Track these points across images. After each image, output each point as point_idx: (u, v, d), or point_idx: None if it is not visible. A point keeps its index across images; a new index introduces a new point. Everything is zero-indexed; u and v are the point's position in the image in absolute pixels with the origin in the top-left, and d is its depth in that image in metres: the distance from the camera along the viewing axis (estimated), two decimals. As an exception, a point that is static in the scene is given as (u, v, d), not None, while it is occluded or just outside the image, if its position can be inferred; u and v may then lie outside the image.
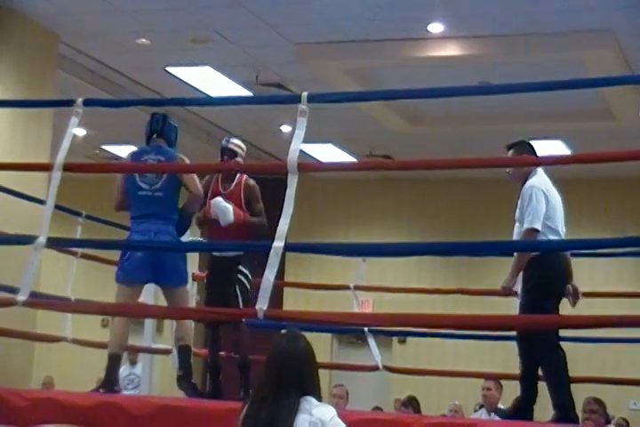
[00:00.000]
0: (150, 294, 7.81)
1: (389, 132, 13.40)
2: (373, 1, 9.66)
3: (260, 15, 10.08)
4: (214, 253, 7.20)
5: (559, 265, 6.21)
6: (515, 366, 6.28)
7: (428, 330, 7.81)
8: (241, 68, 11.50)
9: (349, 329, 9.47)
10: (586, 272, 14.02)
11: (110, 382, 6.45)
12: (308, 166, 6.25)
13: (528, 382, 6.16)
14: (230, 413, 4.66)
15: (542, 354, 6.03)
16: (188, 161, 6.72)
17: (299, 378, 3.91)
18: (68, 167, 6.17)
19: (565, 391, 5.94)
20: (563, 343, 6.16)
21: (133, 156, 6.82)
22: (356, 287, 9.56)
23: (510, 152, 6.44)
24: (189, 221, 6.87)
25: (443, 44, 10.57)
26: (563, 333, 6.33)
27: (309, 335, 4.14)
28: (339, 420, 3.89)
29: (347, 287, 9.58)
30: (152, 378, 8.39)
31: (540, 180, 6.27)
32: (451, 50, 10.57)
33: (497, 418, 6.71)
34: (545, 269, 6.07)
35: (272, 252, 5.42)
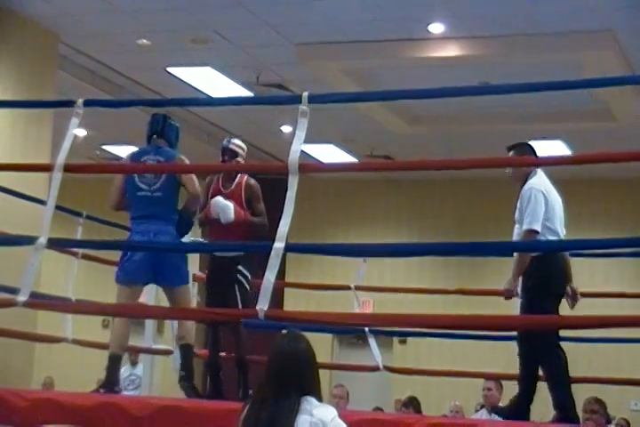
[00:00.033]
0: (151, 295, 7.81)
1: (389, 132, 13.40)
2: (374, 1, 9.66)
3: (260, 15, 10.08)
4: (214, 254, 7.21)
5: (558, 265, 6.21)
6: (515, 367, 6.28)
7: (429, 330, 7.81)
8: (241, 69, 11.50)
9: (350, 329, 9.45)
10: (586, 272, 14.03)
11: (111, 382, 6.45)
12: (309, 167, 6.25)
13: (527, 381, 6.16)
14: (231, 413, 4.65)
15: (543, 354, 6.03)
16: (187, 161, 6.72)
17: (299, 378, 3.91)
18: (68, 168, 6.17)
19: (566, 391, 5.95)
20: (563, 343, 6.16)
21: (133, 156, 6.83)
22: (357, 288, 9.55)
23: (510, 153, 6.44)
24: (191, 222, 6.87)
25: (443, 45, 10.57)
26: (564, 333, 6.34)
27: (310, 336, 4.14)
28: (339, 420, 3.89)
29: (347, 288, 9.58)
30: (153, 379, 8.39)
31: (539, 181, 6.27)
32: (450, 50, 10.57)
33: (498, 418, 6.70)
34: (544, 269, 6.07)
35: (273, 252, 5.42)
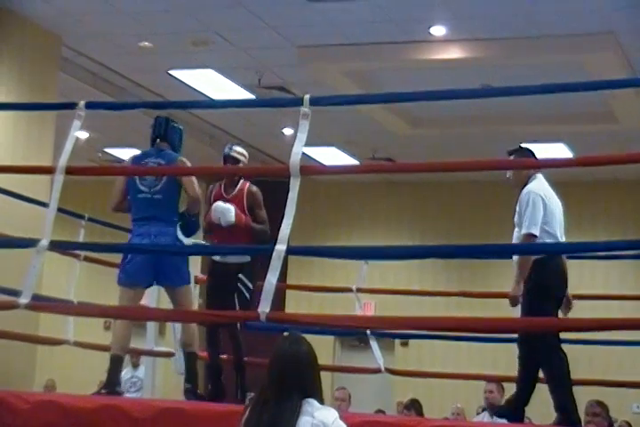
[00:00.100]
0: (152, 297, 7.82)
1: (391, 134, 13.41)
2: (375, 3, 9.67)
3: (261, 17, 10.08)
4: (215, 259, 7.22)
5: (557, 268, 6.21)
6: (517, 369, 6.29)
7: (431, 332, 7.81)
8: (243, 71, 11.50)
9: (352, 332, 9.46)
10: (587, 275, 14.05)
11: (112, 383, 6.46)
12: (311, 169, 6.26)
13: (525, 383, 6.18)
14: (232, 415, 4.65)
15: (543, 356, 6.04)
16: (188, 164, 6.73)
17: (301, 381, 3.91)
18: (70, 170, 6.17)
19: (567, 394, 5.95)
20: (565, 346, 6.16)
21: (135, 159, 6.84)
22: (359, 290, 9.55)
23: (511, 158, 6.45)
24: (197, 223, 6.87)
25: (444, 47, 10.57)
26: (565, 335, 6.33)
27: (311, 338, 4.14)
28: (341, 422, 3.89)
29: (349, 290, 9.58)
30: (154, 381, 8.38)
31: (538, 185, 6.28)
32: (452, 52, 10.57)
33: (499, 421, 6.71)
34: (544, 272, 6.08)
35: (274, 255, 5.42)
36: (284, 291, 13.74)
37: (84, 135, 13.45)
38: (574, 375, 6.11)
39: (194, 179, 6.69)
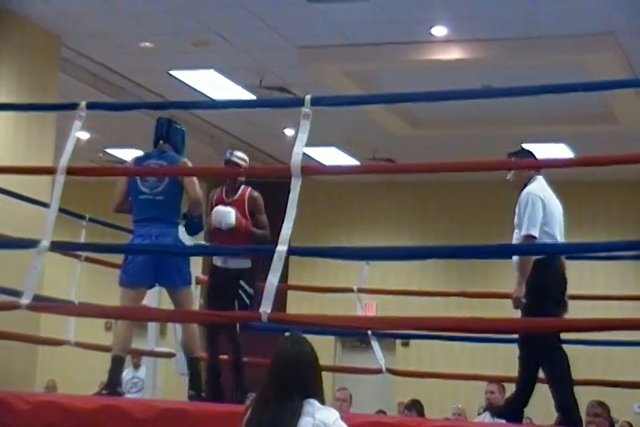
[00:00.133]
0: (153, 298, 7.81)
1: (392, 135, 13.41)
2: (376, 4, 9.67)
3: (262, 18, 10.08)
4: (216, 264, 7.23)
5: (557, 269, 6.22)
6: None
7: (432, 333, 7.81)
8: (244, 72, 11.51)
9: (353, 332, 9.46)
10: (587, 275, 14.05)
11: (113, 383, 6.46)
12: (312, 169, 6.27)
13: (525, 383, 6.18)
14: (233, 416, 4.65)
15: (544, 356, 6.04)
16: (190, 165, 6.73)
17: (302, 381, 3.90)
18: (71, 171, 6.17)
19: (568, 394, 5.95)
20: (565, 346, 6.16)
21: (137, 160, 6.84)
22: (360, 290, 9.56)
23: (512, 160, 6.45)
24: (199, 224, 6.88)
25: (445, 48, 10.57)
26: (565, 335, 6.33)
27: (312, 338, 4.14)
28: (342, 423, 3.89)
29: (350, 290, 9.58)
30: (155, 381, 8.39)
31: (538, 186, 6.29)
32: (453, 53, 10.58)
33: (500, 421, 6.71)
34: (544, 273, 6.09)
35: (275, 255, 5.42)
36: (286, 292, 13.76)
37: (84, 136, 13.46)
38: (575, 376, 6.11)
39: (195, 180, 6.70)
